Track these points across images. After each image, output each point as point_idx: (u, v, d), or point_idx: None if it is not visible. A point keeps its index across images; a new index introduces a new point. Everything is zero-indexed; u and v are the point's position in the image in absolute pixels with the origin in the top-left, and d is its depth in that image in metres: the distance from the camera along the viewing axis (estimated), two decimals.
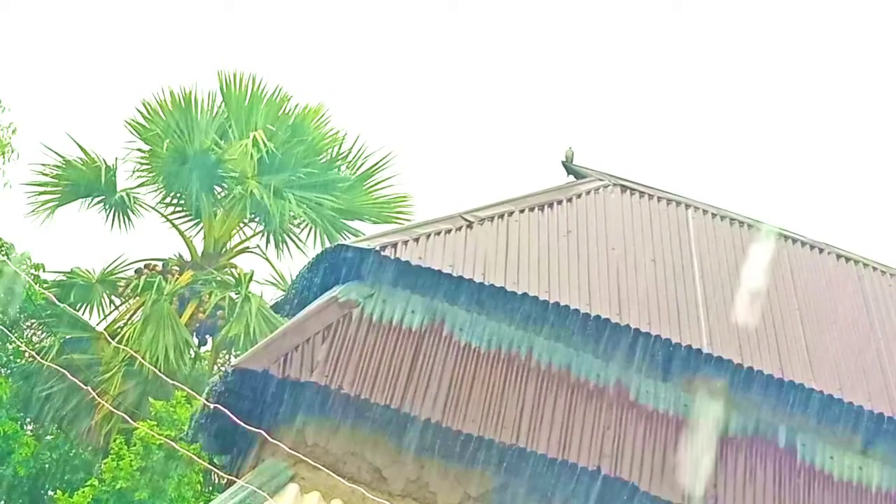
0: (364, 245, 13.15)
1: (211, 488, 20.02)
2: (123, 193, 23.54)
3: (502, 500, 12.48)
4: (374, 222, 23.67)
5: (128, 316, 22.79)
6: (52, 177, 23.49)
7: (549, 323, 13.02)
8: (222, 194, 23.45)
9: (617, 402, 12.82)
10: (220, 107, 23.42)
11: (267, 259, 23.95)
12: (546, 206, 14.33)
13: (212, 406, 12.22)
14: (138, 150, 23.47)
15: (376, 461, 12.48)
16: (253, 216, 23.62)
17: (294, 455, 11.99)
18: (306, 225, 23.70)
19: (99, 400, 19.54)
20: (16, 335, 21.87)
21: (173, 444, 17.20)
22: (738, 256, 14.70)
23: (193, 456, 15.22)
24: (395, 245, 13.09)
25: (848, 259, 15.43)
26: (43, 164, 23.34)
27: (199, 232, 23.80)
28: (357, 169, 23.99)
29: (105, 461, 19.21)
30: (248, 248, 24.12)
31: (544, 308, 12.99)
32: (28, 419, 22.48)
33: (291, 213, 23.17)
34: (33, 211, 23.41)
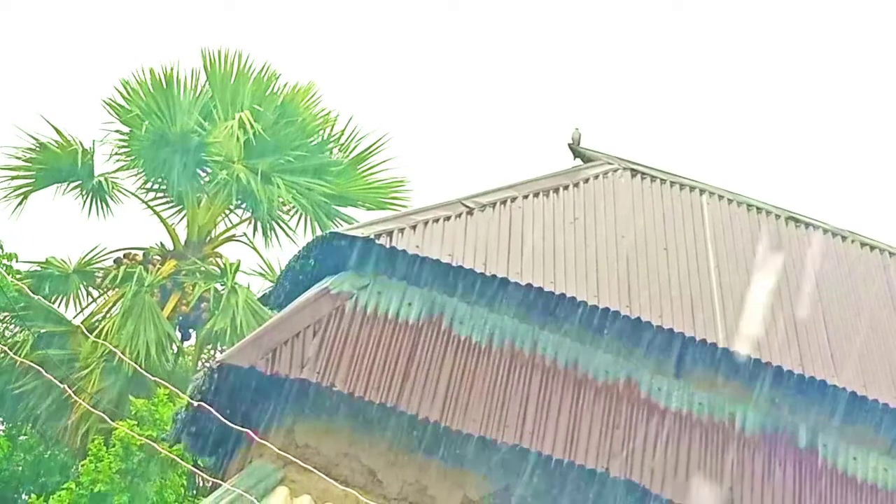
0: (358, 233, 13.16)
1: (195, 492, 20.08)
2: (101, 178, 23.52)
3: (505, 503, 12.54)
4: (369, 209, 23.67)
5: (106, 309, 22.81)
6: (25, 161, 23.46)
7: (554, 316, 13.06)
8: (206, 179, 23.44)
9: (627, 400, 12.86)
10: (203, 86, 23.39)
11: (254, 248, 23.98)
12: (551, 192, 14.34)
13: (196, 404, 12.26)
14: (117, 132, 23.50)
15: (371, 463, 12.53)
16: (239, 202, 23.62)
17: (283, 456, 11.98)
18: (296, 211, 23.69)
19: (76, 398, 19.55)
20: None
21: (155, 444, 17.24)
22: (756, 245, 14.73)
23: (176, 457, 15.28)
24: (390, 233, 13.10)
25: (873, 248, 15.46)
26: (15, 147, 23.36)
27: (181, 219, 23.83)
28: (350, 152, 23.97)
29: (83, 463, 19.25)
30: (234, 236, 24.14)
31: (549, 300, 13.02)
32: (0, 419, 22.55)
33: (280, 199, 23.18)
34: (5, 197, 23.43)
